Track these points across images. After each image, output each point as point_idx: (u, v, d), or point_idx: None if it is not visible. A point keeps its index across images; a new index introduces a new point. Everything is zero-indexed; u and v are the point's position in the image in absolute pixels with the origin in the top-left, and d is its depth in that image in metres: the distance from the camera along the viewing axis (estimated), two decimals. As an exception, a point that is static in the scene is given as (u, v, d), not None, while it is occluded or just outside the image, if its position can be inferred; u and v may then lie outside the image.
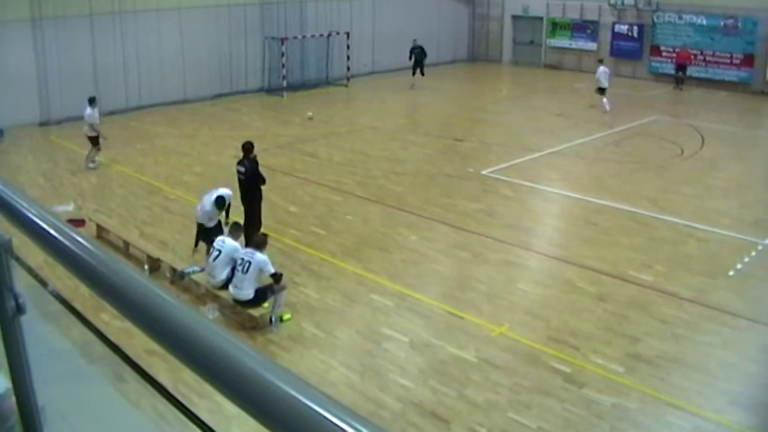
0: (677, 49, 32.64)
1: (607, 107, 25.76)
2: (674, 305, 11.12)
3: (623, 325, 10.52)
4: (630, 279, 12.10)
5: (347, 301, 11.17)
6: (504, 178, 17.37)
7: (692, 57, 32.45)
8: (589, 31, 36.44)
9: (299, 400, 1.11)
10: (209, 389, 1.23)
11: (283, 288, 10.38)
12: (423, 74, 29.77)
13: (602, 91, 26.46)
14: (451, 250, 13.15)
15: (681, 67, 32.17)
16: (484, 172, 17.86)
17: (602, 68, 26.90)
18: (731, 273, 12.55)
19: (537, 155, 19.87)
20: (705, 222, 14.84)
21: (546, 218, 15.70)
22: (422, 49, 30.18)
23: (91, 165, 17.81)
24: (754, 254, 13.41)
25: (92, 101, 17.66)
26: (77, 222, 13.25)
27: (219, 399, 1.23)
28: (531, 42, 37.18)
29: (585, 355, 9.70)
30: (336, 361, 9.53)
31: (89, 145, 17.79)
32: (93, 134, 17.62)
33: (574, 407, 8.56)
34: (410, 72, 29.77)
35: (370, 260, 12.67)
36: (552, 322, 10.57)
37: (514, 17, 38.62)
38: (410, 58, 30.02)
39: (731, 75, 32.91)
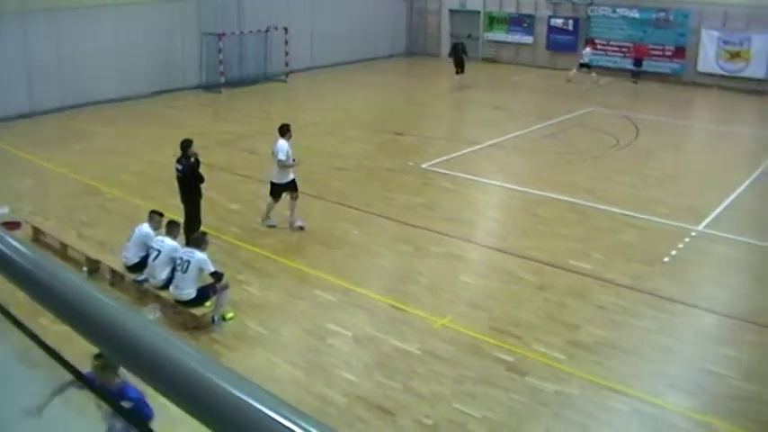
0: (635, 44, 33.33)
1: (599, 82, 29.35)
2: (613, 292, 11.36)
3: (563, 313, 10.71)
4: (570, 268, 12.32)
5: (290, 297, 11.15)
6: (444, 171, 17.50)
7: (648, 51, 33.20)
8: (525, 25, 36.88)
9: (242, 400, 1.12)
10: (153, 391, 1.23)
11: (225, 287, 10.30)
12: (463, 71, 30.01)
13: (586, 67, 29.92)
14: (393, 244, 13.22)
15: (638, 61, 32.81)
16: (424, 166, 17.97)
17: (588, 49, 30.58)
18: (666, 259, 12.87)
19: (476, 147, 20.06)
20: (641, 211, 15.18)
21: (486, 210, 15.88)
22: (463, 45, 31.07)
23: None
24: (688, 240, 13.77)
25: None
26: (13, 225, 12.94)
27: (164, 401, 1.23)
28: (469, 36, 37.42)
29: (527, 344, 9.85)
30: (281, 358, 9.51)
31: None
32: None
33: (517, 395, 8.70)
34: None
35: (313, 256, 12.66)
36: (494, 313, 10.71)
37: (452, 11, 38.87)
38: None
39: (664, 66, 33.66)
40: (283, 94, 28.31)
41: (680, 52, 33.22)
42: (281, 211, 13.94)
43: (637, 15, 33.91)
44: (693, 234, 14.10)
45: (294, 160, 13.66)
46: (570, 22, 35.59)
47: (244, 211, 14.78)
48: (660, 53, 33.71)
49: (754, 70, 32.05)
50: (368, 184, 16.67)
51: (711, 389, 9.08)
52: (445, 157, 18.63)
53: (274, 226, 13.74)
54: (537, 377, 9.10)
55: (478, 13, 37.98)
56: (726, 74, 32.25)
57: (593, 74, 30.18)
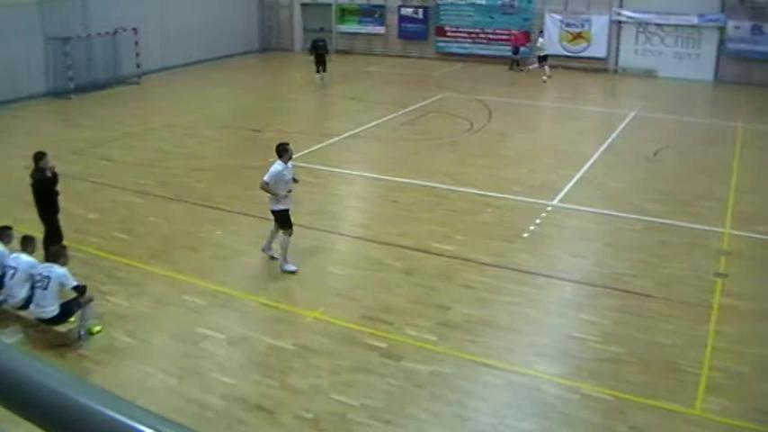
0: (513, 32, 34.11)
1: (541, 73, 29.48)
2: (477, 271, 11.72)
3: (432, 295, 10.98)
4: (434, 251, 12.63)
5: (158, 305, 10.92)
6: (305, 165, 17.50)
7: (526, 38, 34.05)
8: (377, 16, 37.33)
9: (110, 416, 1.12)
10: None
11: (89, 300, 9.97)
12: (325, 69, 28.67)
13: (544, 59, 29.90)
14: (259, 242, 13.10)
15: (516, 49, 33.62)
16: (285, 161, 17.92)
17: (541, 39, 30.52)
18: (526, 235, 13.41)
19: (335, 139, 20.19)
20: (499, 191, 15.74)
21: (349, 200, 16.03)
22: (325, 43, 29.54)
23: None
24: (544, 215, 14.39)
25: None
26: None
27: (32, 426, 1.22)
28: (322, 29, 37.53)
29: (400, 329, 10.05)
30: (154, 368, 9.31)
31: None
32: None
33: (394, 380, 8.86)
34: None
35: (179, 261, 12.43)
36: (365, 301, 10.86)
37: (303, 5, 38.89)
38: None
39: (511, 50, 34.83)
40: (137, 97, 27.54)
41: (525, 36, 34.48)
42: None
43: (483, 2, 34.96)
44: (549, 209, 14.74)
45: (290, 191, 11.87)
46: (420, 10, 36.29)
47: (104, 220, 14.32)
48: (507, 38, 34.86)
49: (594, 50, 33.71)
50: (229, 183, 16.49)
51: (576, 354, 9.55)
52: (305, 151, 18.65)
53: (294, 271, 11.93)
54: (411, 360, 9.30)
55: (330, 5, 38.14)
56: (569, 54, 33.71)
57: (546, 67, 30.54)
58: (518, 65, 33.37)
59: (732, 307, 10.89)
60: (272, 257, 12.29)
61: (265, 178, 11.51)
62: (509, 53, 34.07)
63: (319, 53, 28.46)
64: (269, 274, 11.97)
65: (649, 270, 12.13)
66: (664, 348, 9.70)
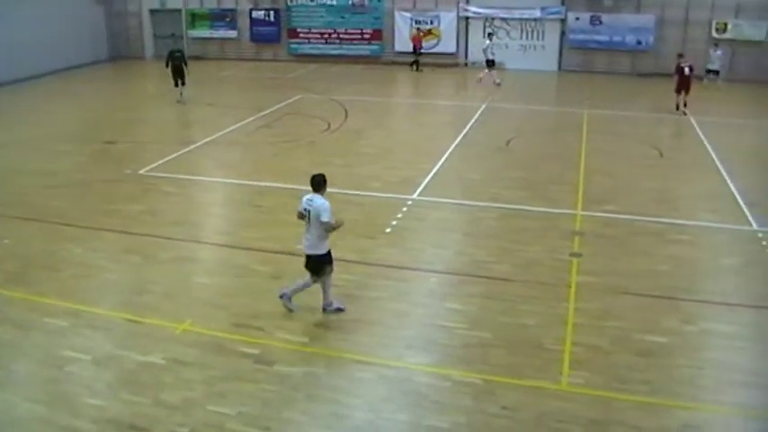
0: (413, 34, 34.14)
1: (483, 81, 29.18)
2: (343, 269, 11.81)
3: (300, 297, 11.01)
4: (298, 252, 12.53)
5: (19, 331, 10.44)
6: (163, 175, 17.18)
7: (422, 38, 34.19)
8: (228, 20, 37.00)
9: None
10: None
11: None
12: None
13: (491, 63, 29.26)
14: (121, 256, 12.81)
15: (416, 49, 33.69)
16: (142, 172, 17.51)
17: (487, 42, 30.04)
18: (388, 230, 13.67)
19: (193, 147, 19.90)
20: (359, 188, 15.97)
21: (211, 208, 15.83)
22: (182, 53, 26.80)
23: None
24: (405, 209, 14.71)
25: None
26: None
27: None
28: (173, 35, 36.86)
29: (271, 334, 10.04)
30: (19, 396, 8.91)
31: None
32: None
33: (269, 385, 8.85)
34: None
35: (38, 283, 11.92)
36: (233, 309, 10.78)
37: (152, 11, 38.10)
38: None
39: (364, 49, 35.36)
40: (-21, 114, 26.18)
41: (377, 34, 35.08)
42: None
43: (334, 2, 35.28)
44: (410, 203, 15.07)
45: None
46: (271, 13, 36.22)
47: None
48: (359, 37, 35.30)
49: (445, 46, 34.65)
50: (85, 198, 15.94)
51: (445, 342, 9.83)
52: (162, 161, 18.28)
53: (343, 309, 10.66)
54: (285, 364, 9.31)
55: (180, 11, 37.50)
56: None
57: (494, 71, 30.06)
58: (418, 64, 33.62)
59: (588, 284, 11.49)
60: (339, 309, 10.62)
61: (326, 219, 9.89)
62: (363, 52, 34.50)
63: (176, 64, 26.10)
64: (133, 289, 11.68)
65: (508, 255, 12.63)
66: (527, 329, 10.13)
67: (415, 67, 33.38)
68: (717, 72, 30.26)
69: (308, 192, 10.22)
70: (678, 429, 8.01)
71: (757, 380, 8.98)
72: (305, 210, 10.14)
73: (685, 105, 24.43)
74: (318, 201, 10.01)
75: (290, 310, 10.57)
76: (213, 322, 10.39)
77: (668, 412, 8.30)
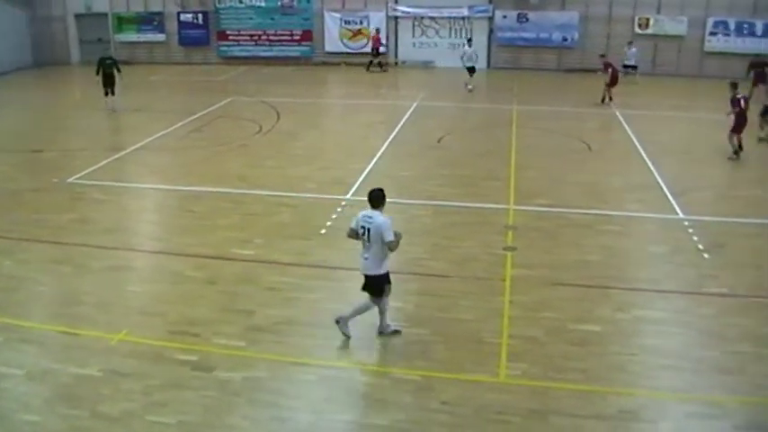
0: (372, 35, 33.89)
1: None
2: (279, 272, 11.79)
3: (237, 302, 10.94)
4: (234, 257, 12.59)
5: (-55, 348, 10.16)
6: (93, 183, 16.86)
7: (379, 39, 33.99)
8: (156, 23, 36.54)
9: None
10: None
11: None
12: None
13: (472, 70, 28.69)
14: (51, 267, 12.53)
15: (375, 50, 33.48)
16: (70, 180, 17.14)
17: (467, 48, 29.39)
18: (323, 231, 13.67)
19: (123, 153, 19.57)
20: (292, 190, 15.94)
21: (143, 215, 15.59)
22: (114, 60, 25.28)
23: None
24: (339, 210, 14.70)
25: None
26: None
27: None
28: (99, 40, 36.27)
29: (208, 340, 9.94)
30: (-52, 415, 8.68)
31: None
32: None
33: (208, 391, 8.76)
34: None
35: (-36, 298, 11.61)
36: (169, 316, 10.64)
37: (78, 15, 37.37)
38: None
39: (294, 50, 35.31)
40: None
41: (307, 35, 35.06)
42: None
43: (263, 4, 35.12)
44: (344, 203, 15.08)
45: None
46: (200, 15, 35.89)
47: None
48: (289, 38, 35.21)
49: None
50: (12, 208, 15.53)
51: (384, 340, 9.86)
52: (91, 168, 17.93)
53: (399, 332, 10.03)
54: (223, 369, 9.23)
55: (106, 15, 36.88)
56: (351, 51, 34.53)
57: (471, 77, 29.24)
58: (380, 65, 33.51)
59: (522, 277, 11.68)
60: (396, 331, 10.02)
61: (391, 237, 9.30)
62: (293, 53, 34.42)
63: (108, 72, 24.72)
64: (66, 300, 11.43)
65: (443, 251, 12.76)
66: (465, 324, 10.24)
67: (378, 66, 33.45)
68: (635, 67, 31.02)
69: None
70: (614, 415, 8.20)
71: (689, 364, 9.25)
72: (363, 228, 9.50)
73: (611, 99, 25.34)
74: (379, 219, 9.35)
75: (348, 337, 9.86)
76: (149, 331, 10.24)
77: (604, 399, 8.49)
